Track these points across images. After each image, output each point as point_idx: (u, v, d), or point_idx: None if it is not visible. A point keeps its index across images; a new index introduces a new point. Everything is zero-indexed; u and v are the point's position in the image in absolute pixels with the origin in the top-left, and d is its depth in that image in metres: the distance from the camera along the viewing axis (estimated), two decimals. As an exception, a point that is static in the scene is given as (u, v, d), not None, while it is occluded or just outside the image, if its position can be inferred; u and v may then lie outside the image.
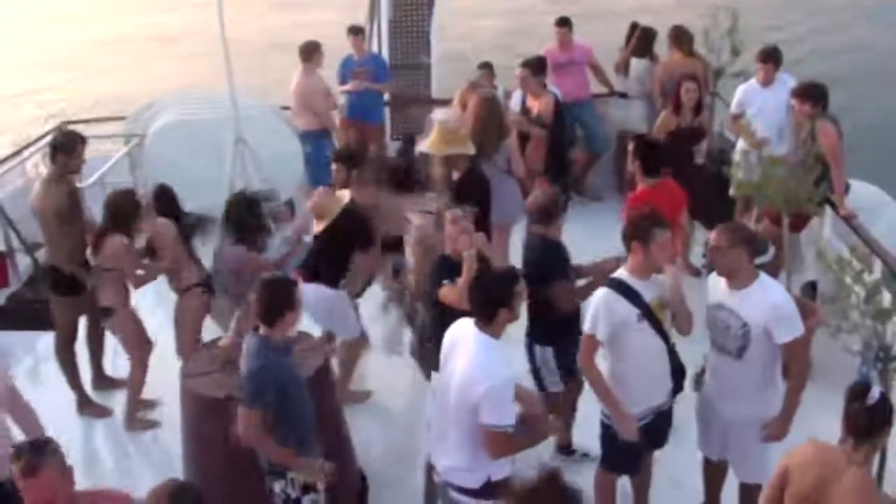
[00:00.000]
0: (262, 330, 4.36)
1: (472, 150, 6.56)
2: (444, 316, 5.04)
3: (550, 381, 5.67)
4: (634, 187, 6.57)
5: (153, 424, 6.62)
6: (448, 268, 5.31)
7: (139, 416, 6.71)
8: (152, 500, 3.40)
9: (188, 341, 6.46)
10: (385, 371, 6.95)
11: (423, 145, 6.68)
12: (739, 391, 4.84)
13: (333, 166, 6.79)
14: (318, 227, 6.35)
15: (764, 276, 4.74)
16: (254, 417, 4.29)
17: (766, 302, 4.63)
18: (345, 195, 6.41)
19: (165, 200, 6.61)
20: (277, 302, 4.32)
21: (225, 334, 5.83)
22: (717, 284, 4.82)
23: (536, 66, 8.13)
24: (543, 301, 5.36)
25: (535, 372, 5.72)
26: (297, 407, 4.37)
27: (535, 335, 5.64)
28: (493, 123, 7.11)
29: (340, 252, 6.24)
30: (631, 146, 6.54)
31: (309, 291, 5.68)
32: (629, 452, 4.99)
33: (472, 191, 6.28)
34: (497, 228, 6.96)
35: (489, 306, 4.25)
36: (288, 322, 4.33)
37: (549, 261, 5.43)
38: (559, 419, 5.14)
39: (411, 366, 6.18)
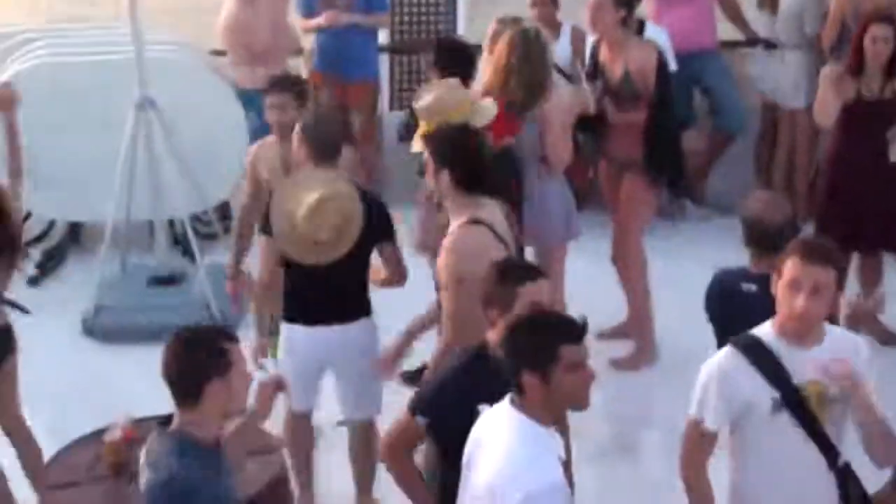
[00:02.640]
0: (175, 420, 4.31)
1: (490, 113, 6.50)
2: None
3: None
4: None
5: None
6: (481, 380, 4.77)
7: None
8: None
9: None
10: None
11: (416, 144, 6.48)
12: None
13: (272, 99, 6.88)
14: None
15: None
16: None
17: None
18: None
19: None
20: (192, 371, 4.24)
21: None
22: None
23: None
24: None
25: None
26: None
27: None
28: (522, 73, 6.89)
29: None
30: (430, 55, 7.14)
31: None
32: None
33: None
34: (537, 254, 7.18)
35: (513, 362, 4.26)
36: (211, 407, 4.25)
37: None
38: None
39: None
